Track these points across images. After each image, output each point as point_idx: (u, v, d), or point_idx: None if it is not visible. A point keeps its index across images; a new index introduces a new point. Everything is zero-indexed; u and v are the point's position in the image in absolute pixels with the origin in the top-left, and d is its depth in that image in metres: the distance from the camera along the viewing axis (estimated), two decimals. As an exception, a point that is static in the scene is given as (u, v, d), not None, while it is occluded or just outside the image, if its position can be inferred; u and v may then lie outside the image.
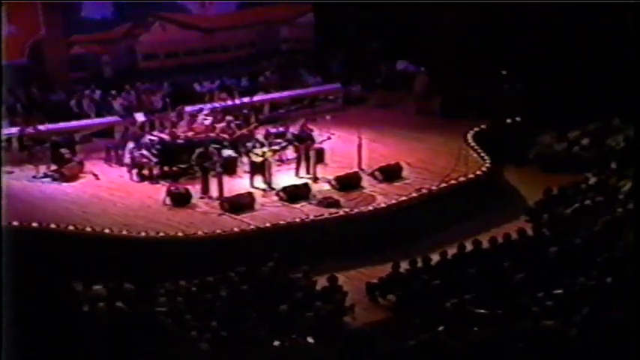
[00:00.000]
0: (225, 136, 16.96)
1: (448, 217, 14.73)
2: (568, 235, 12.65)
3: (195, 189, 15.41)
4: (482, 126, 17.72)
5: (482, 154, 16.37)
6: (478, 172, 15.70)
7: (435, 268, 12.36)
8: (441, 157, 16.71)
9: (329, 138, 17.08)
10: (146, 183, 16.15)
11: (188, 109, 18.28)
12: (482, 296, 10.81)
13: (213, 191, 15.27)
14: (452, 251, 12.71)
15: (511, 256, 12.09)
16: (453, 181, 15.41)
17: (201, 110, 18.08)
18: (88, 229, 13.69)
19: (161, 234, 13.67)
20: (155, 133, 17.42)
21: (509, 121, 17.89)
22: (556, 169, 16.83)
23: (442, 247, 13.05)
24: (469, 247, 12.73)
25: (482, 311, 10.14)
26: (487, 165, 15.95)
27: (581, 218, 13.62)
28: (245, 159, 16.45)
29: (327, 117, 17.93)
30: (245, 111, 18.76)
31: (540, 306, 9.78)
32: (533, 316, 9.30)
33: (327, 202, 14.82)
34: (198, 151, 15.95)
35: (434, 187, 15.20)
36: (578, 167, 16.43)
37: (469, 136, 17.19)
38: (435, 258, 12.57)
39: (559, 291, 10.33)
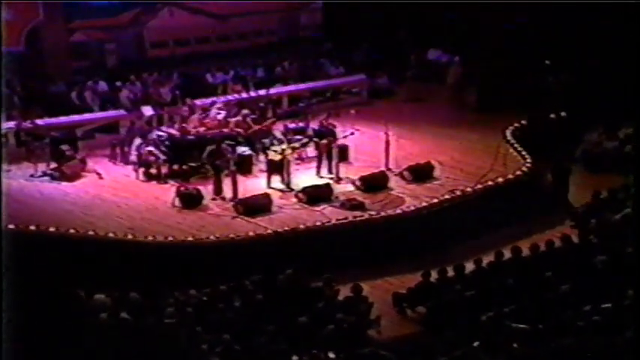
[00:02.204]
0: (240, 131, 17.04)
1: (484, 221, 14.69)
2: (618, 242, 12.58)
3: (206, 189, 15.49)
4: (523, 121, 17.66)
5: (522, 153, 16.31)
6: (518, 173, 15.65)
7: (470, 278, 12.34)
8: (477, 156, 16.69)
9: (353, 134, 17.09)
10: (154, 183, 16.25)
11: (199, 102, 18.39)
12: (522, 309, 10.79)
13: (227, 192, 15.35)
14: (488, 259, 12.68)
15: (554, 265, 12.05)
16: (489, 182, 15.37)
17: (213, 103, 18.17)
18: (91, 232, 13.79)
19: (170, 238, 13.75)
20: (164, 128, 17.54)
21: (553, 116, 17.83)
22: (605, 170, 16.75)
23: (477, 254, 13.00)
24: (507, 254, 12.70)
25: (521, 326, 10.12)
26: (528, 164, 15.90)
27: (632, 224, 13.52)
28: (261, 157, 16.53)
29: (352, 111, 17.92)
30: (261, 104, 18.83)
31: (586, 321, 9.74)
32: (579, 332, 9.27)
33: (351, 205, 14.85)
34: (210, 148, 16.04)
35: (468, 189, 15.18)
36: (630, 168, 16.30)
37: (508, 133, 17.14)
38: (470, 266, 12.55)
39: (607, 304, 10.28)
